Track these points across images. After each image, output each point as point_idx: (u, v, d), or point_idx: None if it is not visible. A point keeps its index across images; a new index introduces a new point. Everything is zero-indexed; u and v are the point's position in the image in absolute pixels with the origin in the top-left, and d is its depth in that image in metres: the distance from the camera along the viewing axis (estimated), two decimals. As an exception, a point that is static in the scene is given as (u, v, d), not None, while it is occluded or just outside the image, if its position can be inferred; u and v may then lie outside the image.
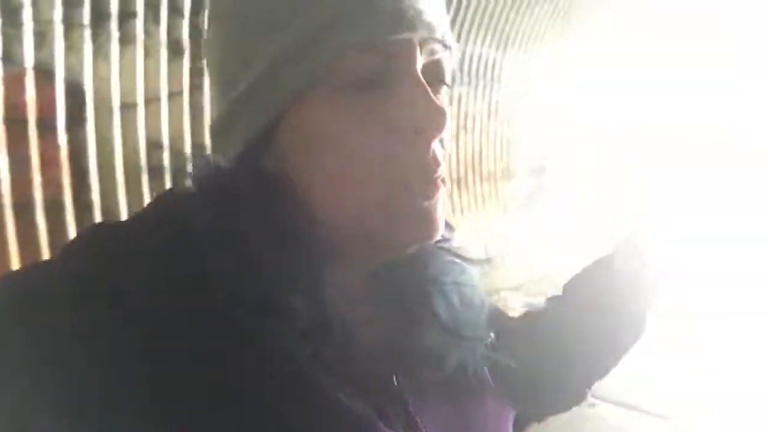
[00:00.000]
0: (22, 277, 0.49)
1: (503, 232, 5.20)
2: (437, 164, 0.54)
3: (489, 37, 5.21)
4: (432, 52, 0.55)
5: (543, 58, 5.91)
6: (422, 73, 0.54)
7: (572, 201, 6.25)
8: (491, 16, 5.11)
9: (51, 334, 0.45)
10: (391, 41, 0.52)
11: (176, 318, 0.46)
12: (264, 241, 0.50)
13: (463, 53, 5.03)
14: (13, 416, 0.44)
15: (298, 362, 0.48)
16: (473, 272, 0.64)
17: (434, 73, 0.56)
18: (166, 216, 0.52)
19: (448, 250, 0.64)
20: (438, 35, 0.54)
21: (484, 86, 5.43)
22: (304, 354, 0.49)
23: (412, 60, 0.53)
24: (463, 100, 5.24)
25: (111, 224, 0.53)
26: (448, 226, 0.63)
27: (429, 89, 0.53)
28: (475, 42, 5.11)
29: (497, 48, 5.36)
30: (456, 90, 5.08)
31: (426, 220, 0.54)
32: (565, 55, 6.11)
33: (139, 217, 0.53)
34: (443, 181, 0.55)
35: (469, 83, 5.27)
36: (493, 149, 5.64)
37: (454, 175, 5.15)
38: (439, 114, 0.53)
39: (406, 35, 0.52)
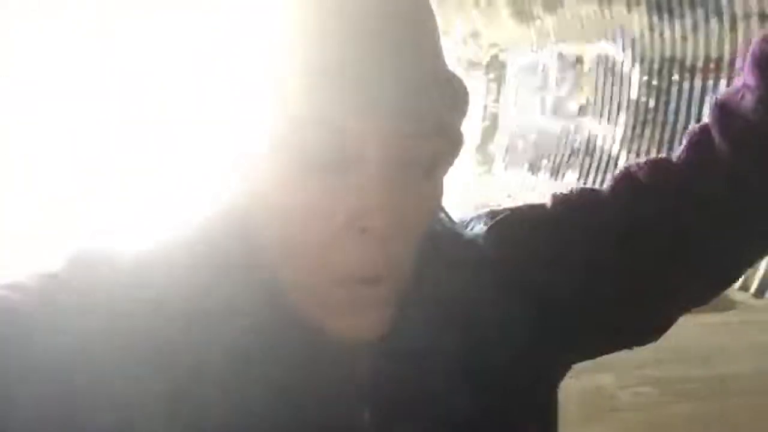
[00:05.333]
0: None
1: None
2: (385, 266, 0.47)
3: None
4: (404, 139, 0.46)
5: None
6: (391, 159, 0.46)
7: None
8: None
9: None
10: (346, 122, 0.45)
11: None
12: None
13: None
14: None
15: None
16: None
17: (406, 160, 0.47)
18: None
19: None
20: (407, 124, 0.46)
21: None
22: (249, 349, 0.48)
23: (369, 145, 0.46)
24: None
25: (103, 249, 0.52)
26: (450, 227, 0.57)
27: (389, 181, 0.46)
28: None
29: None
30: None
31: (361, 317, 0.48)
32: None
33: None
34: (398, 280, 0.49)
35: None
36: None
37: None
38: (390, 212, 0.45)
39: (362, 118, 0.45)
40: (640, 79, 6.65)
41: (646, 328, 0.64)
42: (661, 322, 0.64)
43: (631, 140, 6.73)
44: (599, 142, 7.26)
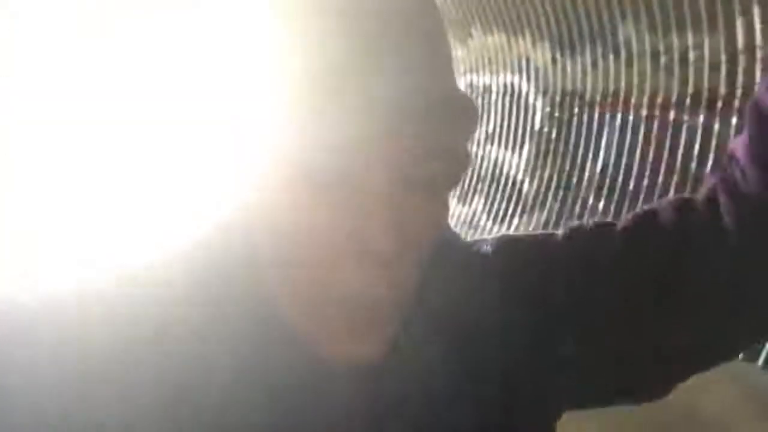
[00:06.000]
0: None
1: None
2: (386, 288, 0.45)
3: None
4: (406, 140, 0.44)
5: None
6: (395, 178, 0.44)
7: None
8: None
9: None
10: (346, 124, 0.42)
11: None
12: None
13: None
14: None
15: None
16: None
17: (410, 179, 0.45)
18: None
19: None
20: (406, 124, 0.43)
21: None
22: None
23: (372, 158, 0.43)
24: None
25: None
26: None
27: (392, 202, 0.44)
28: None
29: None
30: None
31: (361, 338, 0.47)
32: None
33: None
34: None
35: None
36: None
37: None
38: (392, 235, 0.43)
39: (361, 117, 0.42)
40: (543, 110, 6.96)
41: (643, 376, 0.62)
42: (657, 373, 0.62)
43: (534, 168, 7.02)
44: (505, 169, 7.52)
